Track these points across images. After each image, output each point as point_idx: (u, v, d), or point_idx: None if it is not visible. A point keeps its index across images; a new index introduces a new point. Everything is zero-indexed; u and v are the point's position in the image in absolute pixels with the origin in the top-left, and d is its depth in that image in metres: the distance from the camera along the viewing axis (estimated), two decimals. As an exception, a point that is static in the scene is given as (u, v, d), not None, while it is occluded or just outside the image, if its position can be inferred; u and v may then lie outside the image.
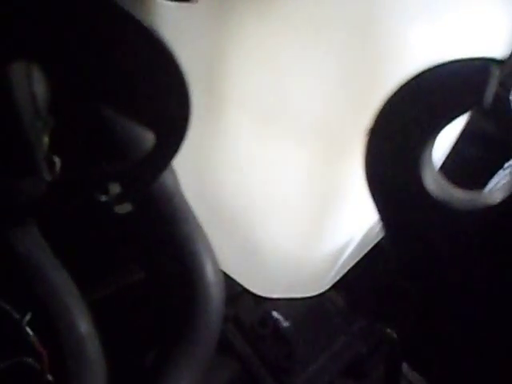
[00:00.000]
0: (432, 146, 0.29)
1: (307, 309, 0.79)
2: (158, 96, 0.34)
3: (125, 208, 0.52)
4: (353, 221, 0.63)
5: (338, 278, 0.72)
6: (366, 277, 0.77)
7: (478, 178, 0.53)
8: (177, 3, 0.45)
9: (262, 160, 0.59)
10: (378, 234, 0.68)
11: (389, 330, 0.79)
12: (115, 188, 0.44)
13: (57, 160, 0.41)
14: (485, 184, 0.53)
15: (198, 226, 0.45)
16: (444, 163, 0.59)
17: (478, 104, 0.26)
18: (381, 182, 0.30)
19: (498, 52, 0.53)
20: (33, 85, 0.34)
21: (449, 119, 0.28)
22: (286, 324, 0.77)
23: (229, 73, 0.54)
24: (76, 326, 0.42)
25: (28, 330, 0.47)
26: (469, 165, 0.67)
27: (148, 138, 0.44)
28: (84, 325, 0.42)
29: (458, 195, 0.30)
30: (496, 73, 0.25)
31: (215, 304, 0.44)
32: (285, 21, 0.49)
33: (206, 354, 0.45)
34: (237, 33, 0.52)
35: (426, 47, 0.49)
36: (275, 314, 0.74)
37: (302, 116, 0.54)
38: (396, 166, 0.29)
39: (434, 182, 0.29)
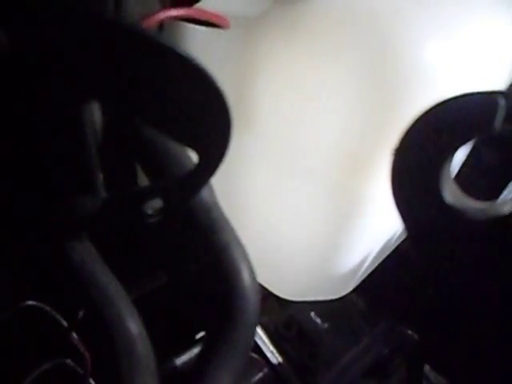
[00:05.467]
0: (450, 162, 0.33)
1: (330, 311, 0.82)
2: (202, 119, 0.37)
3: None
4: (375, 227, 0.65)
5: (360, 280, 0.75)
6: (387, 279, 0.79)
7: (493, 188, 0.56)
8: (207, 28, 0.46)
9: (287, 172, 0.62)
10: (398, 238, 0.71)
11: (410, 332, 0.81)
12: (158, 202, 0.47)
13: (101, 177, 0.45)
14: (499, 194, 0.55)
15: (235, 235, 0.49)
16: (459, 173, 0.62)
17: (489, 131, 0.29)
18: (405, 194, 0.34)
19: (508, 69, 0.56)
20: (93, 114, 0.38)
21: (464, 141, 0.31)
22: (309, 325, 0.80)
23: (255, 95, 0.57)
24: (127, 326, 0.45)
25: (74, 335, 0.50)
26: (483, 175, 0.69)
27: (190, 156, 0.48)
28: (134, 326, 0.45)
29: (472, 205, 0.34)
30: (502, 104, 0.29)
31: (251, 308, 0.47)
32: (309, 46, 0.53)
33: (244, 355, 0.48)
34: (264, 58, 0.55)
35: (441, 65, 0.51)
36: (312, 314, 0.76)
37: (324, 136, 0.57)
38: (418, 181, 0.33)
39: (451, 193, 0.33)
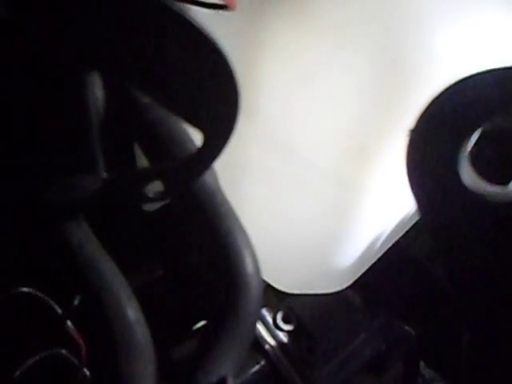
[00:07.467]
0: (468, 144, 0.31)
1: (329, 305, 0.81)
2: (210, 97, 0.36)
3: (152, 206, 0.54)
4: (374, 222, 0.64)
5: (359, 274, 0.74)
6: (385, 274, 0.79)
7: (500, 176, 0.55)
8: (213, 11, 0.46)
9: (287, 162, 0.61)
10: (397, 232, 0.70)
11: (407, 328, 0.81)
12: (158, 186, 0.46)
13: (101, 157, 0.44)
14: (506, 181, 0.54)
15: (238, 221, 0.48)
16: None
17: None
18: (421, 177, 0.33)
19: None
20: (95, 89, 0.37)
21: (484, 121, 0.30)
22: (308, 319, 0.79)
23: (258, 78, 0.56)
24: (126, 312, 0.44)
25: (69, 323, 0.48)
26: (490, 162, 0.69)
27: (193, 138, 0.47)
28: (133, 312, 0.44)
29: (491, 189, 0.33)
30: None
31: (254, 294, 0.46)
32: (316, 28, 0.52)
33: (246, 342, 0.47)
34: (269, 40, 0.54)
35: (451, 51, 0.51)
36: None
37: (327, 123, 0.56)
38: (435, 162, 0.32)
39: (469, 176, 0.32)
